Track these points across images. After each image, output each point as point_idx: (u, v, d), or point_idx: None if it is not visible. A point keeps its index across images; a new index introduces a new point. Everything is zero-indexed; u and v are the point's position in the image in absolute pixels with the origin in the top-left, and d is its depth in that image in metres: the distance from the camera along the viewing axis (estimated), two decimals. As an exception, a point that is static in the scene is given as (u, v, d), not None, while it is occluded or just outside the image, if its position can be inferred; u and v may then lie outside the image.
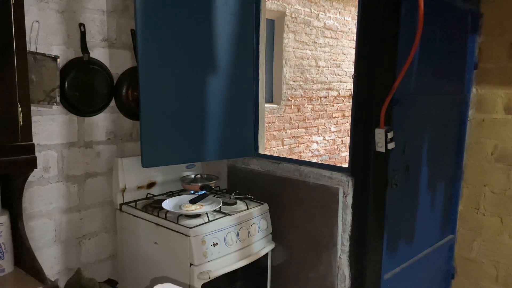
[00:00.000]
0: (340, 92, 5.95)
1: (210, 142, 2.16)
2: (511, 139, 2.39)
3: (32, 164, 1.54)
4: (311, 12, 5.25)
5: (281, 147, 5.16)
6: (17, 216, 1.65)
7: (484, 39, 2.45)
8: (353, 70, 2.01)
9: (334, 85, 5.82)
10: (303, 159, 4.94)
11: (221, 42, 2.11)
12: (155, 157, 2.00)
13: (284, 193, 2.28)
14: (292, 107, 5.20)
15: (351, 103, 2.22)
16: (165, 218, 1.97)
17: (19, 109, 1.45)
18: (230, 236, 1.98)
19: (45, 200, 2.00)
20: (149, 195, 2.28)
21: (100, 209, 2.22)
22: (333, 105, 5.87)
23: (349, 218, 2.06)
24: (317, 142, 5.71)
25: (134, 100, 2.20)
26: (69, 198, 2.09)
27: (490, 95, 2.45)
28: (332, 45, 5.66)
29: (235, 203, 2.20)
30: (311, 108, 5.51)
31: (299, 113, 5.34)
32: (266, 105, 4.58)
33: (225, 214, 2.04)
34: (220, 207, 2.06)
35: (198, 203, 2.07)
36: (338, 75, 5.86)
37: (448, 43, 2.34)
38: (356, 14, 1.99)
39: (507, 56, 2.36)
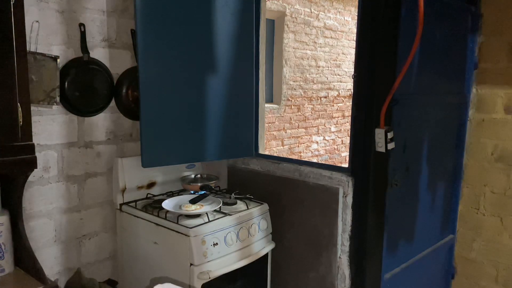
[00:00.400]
0: (340, 92, 5.95)
1: (210, 142, 2.16)
2: (511, 139, 2.39)
3: (32, 164, 1.54)
4: (311, 12, 5.25)
5: (281, 147, 5.16)
6: (17, 216, 1.65)
7: (484, 39, 2.45)
8: (353, 70, 2.01)
9: (334, 85, 5.82)
10: (303, 159, 4.94)
11: (221, 42, 2.12)
12: (155, 157, 2.01)
13: (284, 193, 2.28)
14: (292, 107, 5.20)
15: (351, 103, 2.22)
16: (165, 218, 1.97)
17: (19, 109, 1.45)
18: (230, 236, 1.98)
19: (45, 200, 2.00)
20: (149, 195, 2.28)
21: (100, 209, 2.22)
22: (333, 105, 5.87)
23: (349, 218, 2.06)
24: (317, 142, 5.71)
25: (134, 100, 2.20)
26: (69, 198, 2.09)
27: (490, 95, 2.45)
28: (332, 45, 5.66)
29: (235, 203, 2.20)
30: (311, 108, 5.51)
31: (299, 113, 5.34)
32: (266, 105, 4.58)
33: (225, 214, 2.04)
34: (220, 207, 2.06)
35: (198, 203, 2.07)
36: (338, 75, 5.86)
37: (448, 43, 2.34)
38: (356, 14, 1.99)
39: (507, 56, 2.36)
